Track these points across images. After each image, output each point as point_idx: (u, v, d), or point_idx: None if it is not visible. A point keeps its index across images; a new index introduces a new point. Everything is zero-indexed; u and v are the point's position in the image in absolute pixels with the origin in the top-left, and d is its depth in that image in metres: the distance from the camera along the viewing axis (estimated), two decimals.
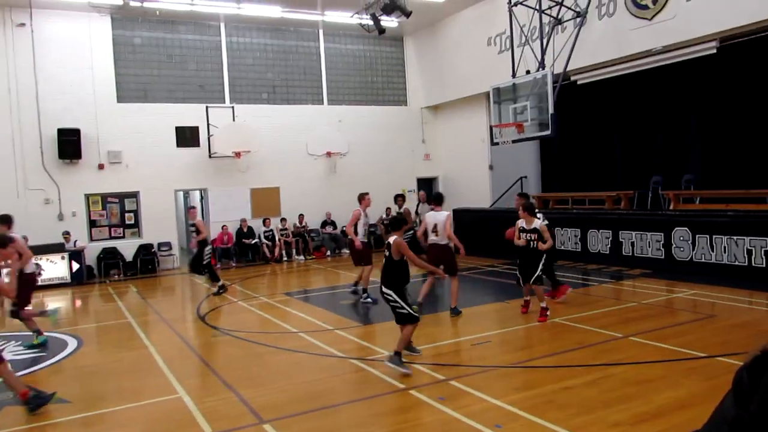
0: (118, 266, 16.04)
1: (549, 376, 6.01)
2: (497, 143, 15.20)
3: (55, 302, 12.37)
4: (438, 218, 8.93)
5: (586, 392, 5.45)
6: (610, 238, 12.90)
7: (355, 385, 6.13)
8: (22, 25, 15.20)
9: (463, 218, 16.99)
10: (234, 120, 17.41)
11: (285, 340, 8.08)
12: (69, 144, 15.45)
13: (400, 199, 13.61)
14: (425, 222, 9.19)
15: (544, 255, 8.27)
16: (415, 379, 6.13)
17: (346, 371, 6.68)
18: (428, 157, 20.87)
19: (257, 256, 17.70)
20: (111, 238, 16.41)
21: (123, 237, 16.54)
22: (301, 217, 18.32)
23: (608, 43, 13.51)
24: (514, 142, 14.52)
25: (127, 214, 16.65)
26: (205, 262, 12.13)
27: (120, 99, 16.43)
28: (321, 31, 19.14)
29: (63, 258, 14.64)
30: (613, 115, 15.48)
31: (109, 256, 16.05)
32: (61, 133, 15.39)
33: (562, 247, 13.92)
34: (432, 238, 8.95)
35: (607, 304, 9.27)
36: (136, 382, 6.70)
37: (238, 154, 16.89)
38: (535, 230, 8.23)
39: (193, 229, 12.41)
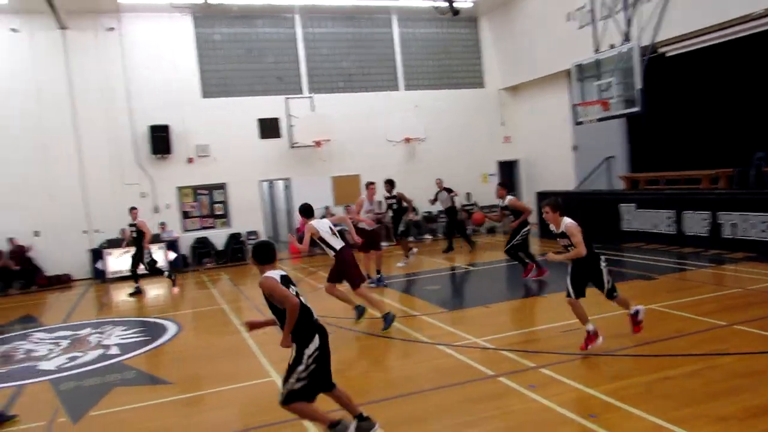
0: (210, 255, 16.85)
1: (646, 366, 5.74)
2: (581, 122, 14.64)
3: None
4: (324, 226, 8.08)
5: (689, 383, 5.16)
6: (708, 220, 12.11)
7: (443, 371, 6.09)
8: (111, 29, 16.15)
9: None
10: (313, 110, 17.73)
11: (371, 325, 8.18)
12: (160, 140, 16.32)
13: (387, 184, 13.36)
14: (316, 232, 7.88)
15: (601, 260, 6.41)
16: (505, 366, 6.04)
17: (433, 357, 6.65)
18: (508, 140, 20.39)
19: None
20: (202, 228, 17.24)
21: (213, 227, 17.35)
22: (380, 204, 18.40)
23: (700, 10, 12.57)
24: (599, 120, 13.94)
25: (216, 205, 17.43)
26: (147, 260, 12.72)
27: (204, 94, 17.14)
28: (394, 17, 19.05)
29: (160, 248, 15.53)
30: (708, 87, 14.40)
31: (202, 246, 16.87)
32: (152, 129, 16.27)
33: (655, 230, 13.23)
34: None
35: (706, 291, 8.72)
36: (231, 365, 7.01)
37: (318, 143, 17.20)
38: (563, 234, 6.52)
39: (133, 229, 12.74)
